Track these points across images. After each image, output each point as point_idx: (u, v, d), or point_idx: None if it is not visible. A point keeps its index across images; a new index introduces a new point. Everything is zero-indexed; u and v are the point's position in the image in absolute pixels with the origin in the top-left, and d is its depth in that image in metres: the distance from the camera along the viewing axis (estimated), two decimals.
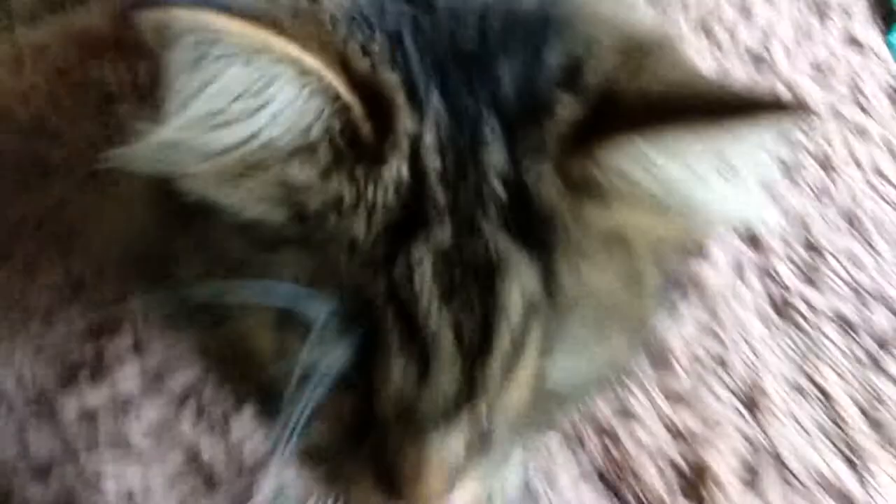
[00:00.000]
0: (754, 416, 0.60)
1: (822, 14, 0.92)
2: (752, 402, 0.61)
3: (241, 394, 0.40)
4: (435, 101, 0.26)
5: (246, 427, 0.59)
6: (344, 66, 0.25)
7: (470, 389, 0.28)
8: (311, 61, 0.24)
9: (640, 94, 0.27)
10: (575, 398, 0.33)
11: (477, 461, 0.30)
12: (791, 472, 0.58)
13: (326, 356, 0.27)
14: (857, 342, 0.66)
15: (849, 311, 0.68)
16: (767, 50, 0.89)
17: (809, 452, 0.59)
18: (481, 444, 0.29)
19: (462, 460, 0.29)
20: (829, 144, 0.82)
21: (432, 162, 0.27)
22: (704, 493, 0.55)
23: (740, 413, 0.60)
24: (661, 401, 0.60)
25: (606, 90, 0.27)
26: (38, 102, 0.73)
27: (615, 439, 0.58)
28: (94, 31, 0.77)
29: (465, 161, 0.27)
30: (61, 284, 0.64)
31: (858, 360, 0.65)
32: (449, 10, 0.28)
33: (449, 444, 0.28)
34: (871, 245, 0.74)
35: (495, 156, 0.27)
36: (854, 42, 0.94)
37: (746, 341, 0.64)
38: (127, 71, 0.73)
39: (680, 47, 0.31)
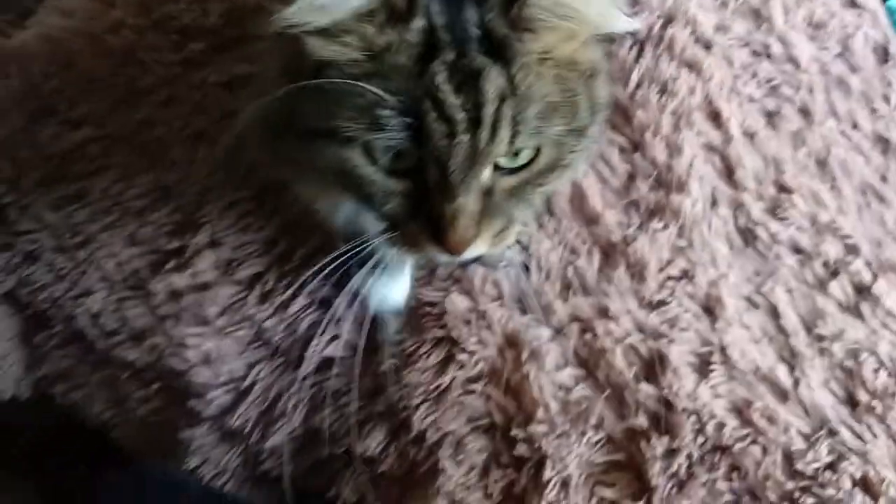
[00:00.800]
0: (711, 322, 0.73)
1: None
2: (710, 311, 0.74)
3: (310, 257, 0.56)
4: None
5: (299, 308, 0.74)
6: None
7: (474, 153, 0.45)
8: None
9: None
10: (539, 181, 0.50)
11: (487, 220, 0.48)
12: (736, 367, 0.71)
13: (392, 141, 0.45)
14: (809, 268, 0.78)
15: (805, 241, 0.79)
16: (767, 5, 0.98)
17: (754, 354, 0.72)
18: (488, 206, 0.47)
19: (478, 217, 0.47)
20: (812, 96, 0.92)
21: (438, 18, 0.45)
22: (662, 379, 0.69)
23: (699, 318, 0.73)
24: (633, 305, 0.73)
25: None
26: (127, 34, 0.85)
27: (594, 333, 0.71)
28: None
29: (455, 15, 0.45)
30: (151, 190, 0.78)
31: (808, 283, 0.77)
32: None
33: (468, 203, 0.46)
34: (835, 188, 0.85)
35: (470, 12, 0.45)
36: (853, 4, 1.02)
37: (712, 262, 0.77)
38: (201, 13, 0.85)
39: None
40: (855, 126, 0.91)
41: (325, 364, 0.73)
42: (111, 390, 0.80)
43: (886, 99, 0.95)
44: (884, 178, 0.88)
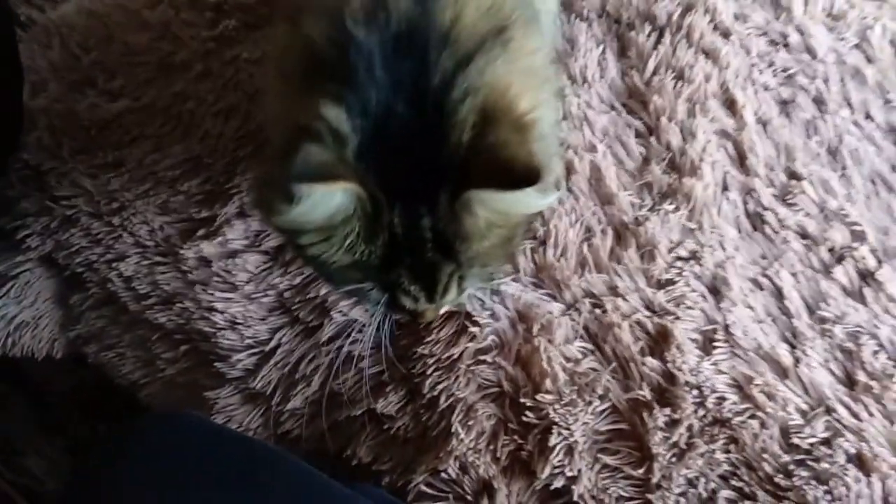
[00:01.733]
0: (717, 302, 0.76)
1: None
2: (716, 291, 0.76)
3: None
4: (397, 207, 0.53)
5: (316, 278, 0.77)
6: (361, 183, 0.51)
7: (431, 302, 0.59)
8: (350, 186, 0.51)
9: (474, 169, 0.52)
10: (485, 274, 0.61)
11: (448, 302, 0.61)
12: (739, 345, 0.73)
13: (375, 300, 0.59)
14: (815, 253, 0.80)
15: (812, 227, 0.82)
16: None
17: (757, 333, 0.75)
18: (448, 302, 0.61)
19: (438, 309, 0.63)
20: (826, 86, 0.93)
21: (398, 229, 0.54)
22: (667, 354, 0.72)
23: (705, 298, 0.76)
24: (642, 283, 0.76)
25: (464, 162, 0.53)
26: (164, 9, 0.89)
27: (603, 309, 0.74)
28: None
29: (413, 228, 0.54)
30: (184, 161, 0.82)
31: (813, 267, 0.80)
32: (399, 135, 0.53)
33: (431, 314, 0.64)
34: (845, 176, 0.87)
35: (425, 221, 0.54)
36: None
37: (721, 244, 0.79)
38: None
39: (519, 117, 0.54)
40: (868, 116, 0.93)
41: (344, 331, 0.76)
42: (142, 351, 0.84)
43: None
44: (894, 168, 0.90)
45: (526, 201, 0.54)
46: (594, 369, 0.72)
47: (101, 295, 0.83)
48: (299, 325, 0.79)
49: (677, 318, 0.74)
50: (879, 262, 0.80)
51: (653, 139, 0.85)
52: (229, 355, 0.79)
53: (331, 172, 0.50)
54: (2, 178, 0.84)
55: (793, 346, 0.75)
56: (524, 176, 0.49)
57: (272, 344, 0.78)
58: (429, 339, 0.74)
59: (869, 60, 0.98)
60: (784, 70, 0.94)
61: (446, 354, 0.73)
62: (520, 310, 0.74)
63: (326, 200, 0.51)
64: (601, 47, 0.91)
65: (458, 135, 0.52)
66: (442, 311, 0.67)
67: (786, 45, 0.96)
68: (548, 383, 0.70)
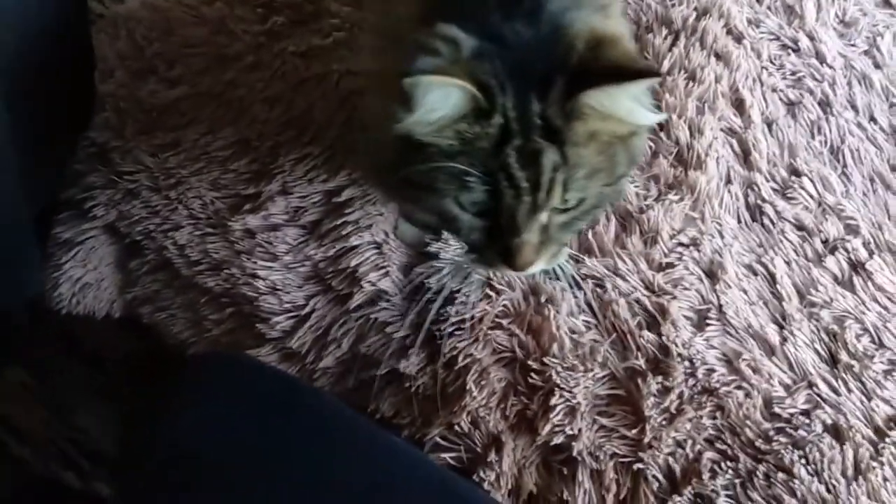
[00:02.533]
0: (712, 284, 0.82)
1: None
2: (712, 274, 0.83)
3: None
4: (510, 89, 0.56)
5: (349, 249, 0.86)
6: (475, 81, 0.55)
7: (534, 206, 0.59)
8: (464, 83, 0.54)
9: (595, 69, 0.56)
10: (583, 217, 0.63)
11: (545, 247, 0.62)
12: (731, 324, 0.80)
13: (476, 197, 0.59)
14: (810, 244, 0.87)
15: (809, 220, 0.88)
16: (801, 2, 1.05)
17: (748, 314, 0.81)
18: (545, 237, 0.61)
19: (537, 246, 0.61)
20: (833, 89, 0.99)
21: (511, 113, 0.56)
22: (662, 329, 0.79)
23: (702, 280, 0.83)
24: (643, 266, 0.83)
25: (578, 68, 0.56)
26: (219, 5, 0.98)
27: (603, 287, 0.82)
28: None
29: (523, 109, 0.56)
30: (233, 143, 0.91)
31: (806, 257, 0.86)
32: (514, 45, 0.57)
33: (531, 237, 0.60)
34: (845, 174, 0.93)
35: (535, 106, 0.56)
36: (888, 4, 1.08)
37: (720, 233, 0.86)
38: None
39: (621, 41, 0.59)
40: (872, 119, 0.98)
41: (373, 299, 0.85)
42: (191, 312, 0.93)
43: None
44: (893, 168, 0.95)
45: (638, 106, 0.58)
46: (596, 340, 0.79)
47: (157, 261, 0.93)
48: (332, 292, 0.87)
49: (674, 297, 0.81)
50: (871, 254, 0.86)
51: (662, 134, 0.92)
52: (269, 318, 0.87)
53: (444, 71, 0.54)
54: (73, 155, 0.94)
55: (781, 327, 0.81)
56: (644, 70, 0.56)
57: (307, 309, 0.87)
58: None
59: (877, 66, 1.03)
60: (793, 73, 1.00)
61: (468, 315, 0.81)
62: (531, 283, 0.82)
63: (443, 97, 0.54)
64: None
65: (571, 42, 0.57)
66: (536, 268, 0.63)
67: (796, 50, 1.02)
68: (555, 348, 0.77)
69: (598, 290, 0.81)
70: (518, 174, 0.57)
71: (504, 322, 0.80)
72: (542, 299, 0.80)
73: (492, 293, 0.81)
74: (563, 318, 0.80)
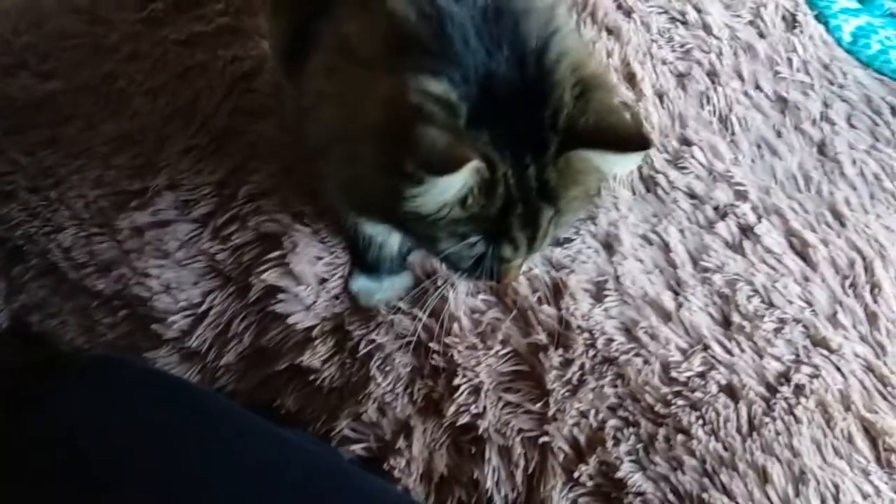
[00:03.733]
0: (609, 256, 0.83)
1: None
2: (608, 246, 0.84)
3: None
4: (508, 157, 0.58)
5: (244, 243, 0.83)
6: (482, 156, 0.56)
7: (528, 252, 0.63)
8: (478, 163, 0.55)
9: (584, 128, 0.58)
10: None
11: (527, 262, 0.67)
12: (628, 294, 0.81)
13: (475, 252, 0.62)
14: (701, 211, 0.89)
15: (700, 188, 0.90)
16: None
17: (645, 283, 0.83)
18: (531, 257, 0.66)
19: (523, 263, 0.67)
20: (720, 59, 1.02)
21: (511, 180, 0.58)
22: (561, 303, 0.80)
23: (598, 253, 0.84)
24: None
25: (567, 125, 0.58)
26: None
27: None
28: None
29: (521, 175, 0.58)
30: (115, 137, 0.87)
31: (698, 223, 0.88)
32: (503, 95, 0.58)
33: (520, 262, 0.66)
34: (734, 142, 0.96)
35: (531, 170, 0.59)
36: None
37: (615, 206, 0.87)
38: None
39: (612, 88, 0.63)
40: (758, 87, 1.01)
41: (271, 291, 0.82)
42: (83, 317, 0.89)
43: (790, 62, 1.04)
44: (779, 134, 0.98)
45: (627, 161, 0.62)
46: (497, 318, 0.79)
47: (41, 266, 0.88)
48: (230, 286, 0.85)
49: (572, 271, 0.82)
50: (759, 217, 0.89)
51: None
52: (165, 318, 0.84)
53: (455, 156, 0.54)
54: None
55: (676, 294, 0.83)
56: (638, 142, 0.58)
57: (205, 306, 0.84)
58: None
59: (761, 35, 1.06)
60: (682, 45, 1.02)
61: None
62: (426, 270, 0.81)
63: (456, 179, 0.55)
64: None
65: (560, 92, 0.58)
66: (522, 269, 0.69)
67: (684, 22, 1.04)
68: (455, 328, 0.77)
69: None
70: (518, 235, 0.61)
71: (404, 306, 0.80)
72: (440, 282, 0.80)
73: None
74: (462, 298, 0.80)
